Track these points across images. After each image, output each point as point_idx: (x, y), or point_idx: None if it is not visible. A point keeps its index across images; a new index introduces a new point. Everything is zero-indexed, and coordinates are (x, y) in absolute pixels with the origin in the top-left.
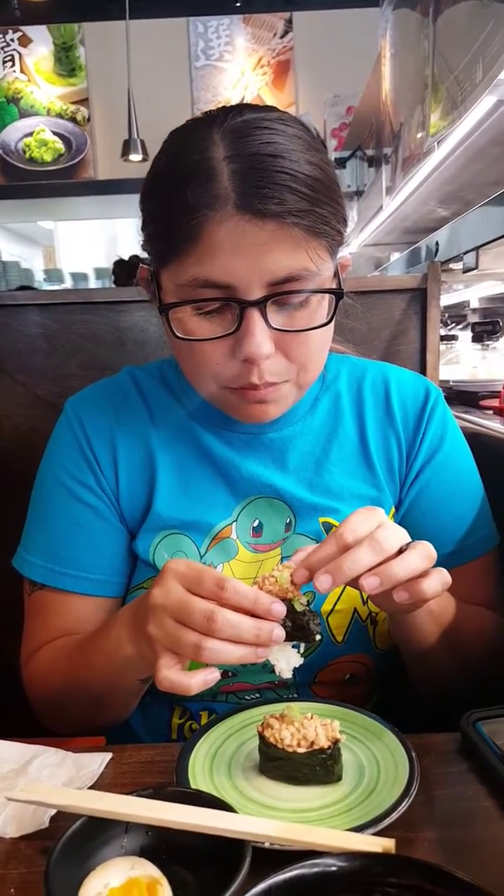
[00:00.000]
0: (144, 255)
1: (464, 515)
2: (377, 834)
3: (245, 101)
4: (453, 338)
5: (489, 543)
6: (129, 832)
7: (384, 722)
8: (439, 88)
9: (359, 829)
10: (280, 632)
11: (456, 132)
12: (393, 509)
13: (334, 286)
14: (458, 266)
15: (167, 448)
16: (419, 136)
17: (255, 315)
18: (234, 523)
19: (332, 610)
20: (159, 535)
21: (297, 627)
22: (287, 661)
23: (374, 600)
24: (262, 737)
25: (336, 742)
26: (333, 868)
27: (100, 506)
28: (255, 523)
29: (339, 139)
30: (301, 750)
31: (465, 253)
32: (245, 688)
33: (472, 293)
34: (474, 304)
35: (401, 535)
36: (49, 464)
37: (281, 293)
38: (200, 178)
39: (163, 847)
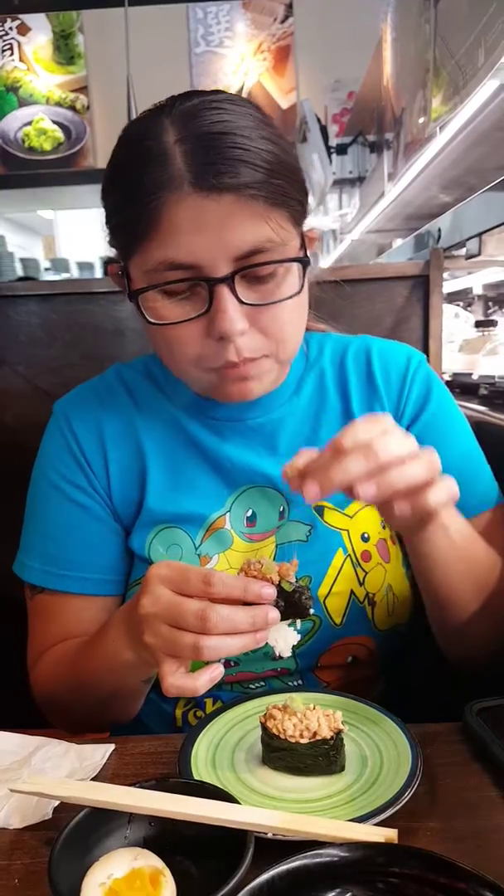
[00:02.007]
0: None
1: (458, 473)
2: (380, 824)
3: (245, 88)
4: (491, 323)
5: (490, 500)
6: (132, 823)
7: (387, 712)
8: (441, 73)
9: (361, 819)
10: (275, 613)
11: (458, 117)
12: None
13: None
14: (460, 252)
15: (157, 442)
16: (421, 121)
17: (224, 292)
18: (228, 514)
19: (328, 593)
20: (154, 530)
21: (290, 605)
22: (285, 640)
23: (383, 515)
24: (264, 727)
25: (338, 732)
26: (336, 858)
27: (93, 505)
28: (249, 513)
29: (340, 125)
30: (304, 740)
31: (467, 239)
32: (248, 677)
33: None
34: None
35: (405, 444)
36: (41, 467)
37: (247, 266)
38: (154, 162)
39: (166, 838)
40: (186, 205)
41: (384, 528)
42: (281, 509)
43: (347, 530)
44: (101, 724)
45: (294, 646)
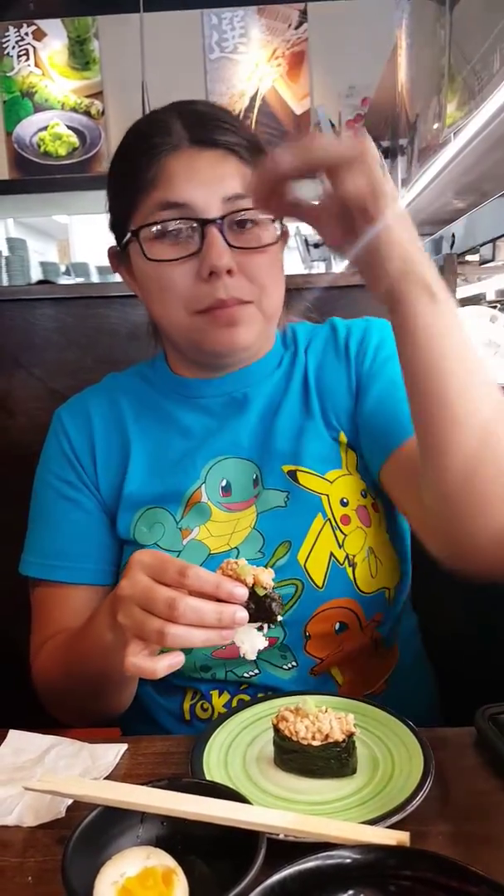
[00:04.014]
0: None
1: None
2: (391, 827)
3: (259, 94)
4: None
5: None
6: (144, 822)
7: (399, 716)
8: (455, 79)
9: (373, 821)
10: (243, 614)
11: (473, 123)
12: (342, 436)
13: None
14: (474, 258)
15: (142, 430)
16: (435, 126)
17: (214, 231)
18: (203, 485)
19: (308, 556)
20: (138, 513)
21: (259, 609)
22: (251, 643)
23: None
24: (276, 729)
25: (350, 735)
26: (348, 860)
27: (82, 499)
28: (223, 483)
29: (354, 131)
30: (316, 743)
31: (481, 245)
32: (237, 652)
33: None
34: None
35: (340, 143)
36: (39, 470)
37: (235, 210)
38: (157, 132)
39: (178, 838)
40: (182, 156)
41: (364, 496)
42: (254, 476)
43: (327, 495)
44: (95, 713)
45: (280, 612)
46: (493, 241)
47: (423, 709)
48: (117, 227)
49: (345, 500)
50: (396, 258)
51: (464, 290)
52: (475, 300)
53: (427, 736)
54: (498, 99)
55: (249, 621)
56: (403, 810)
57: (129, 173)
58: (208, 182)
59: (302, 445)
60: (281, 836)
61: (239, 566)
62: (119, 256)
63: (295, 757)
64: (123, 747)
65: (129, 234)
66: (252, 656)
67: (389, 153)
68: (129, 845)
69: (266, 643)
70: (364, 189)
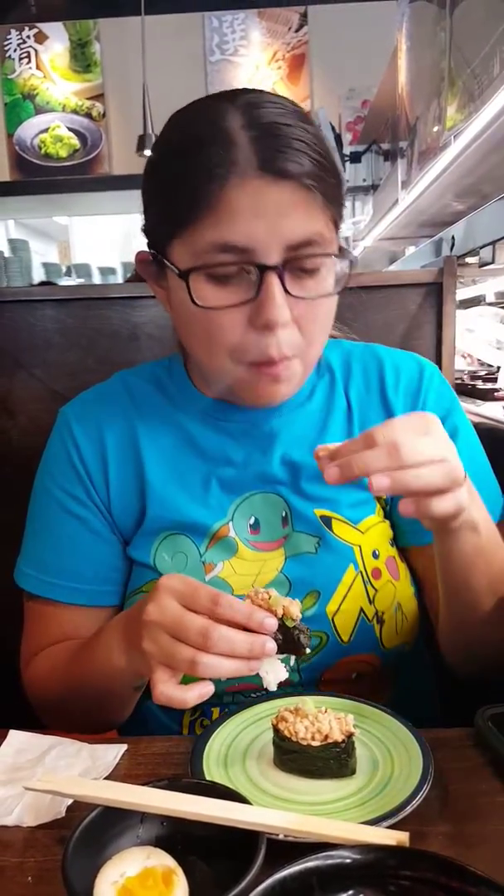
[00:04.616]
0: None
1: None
2: (391, 827)
3: None
4: None
5: (493, 514)
6: (144, 822)
7: (398, 716)
8: (455, 82)
9: (373, 822)
10: (272, 644)
11: (472, 126)
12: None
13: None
14: (474, 260)
15: (159, 450)
16: (435, 129)
17: (274, 280)
18: (231, 522)
19: (337, 610)
20: (159, 538)
21: (287, 640)
22: (275, 674)
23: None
24: (276, 730)
25: (350, 736)
26: (347, 860)
27: (90, 517)
28: (252, 520)
29: (354, 133)
30: (315, 743)
31: (481, 247)
32: (250, 688)
33: None
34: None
35: (434, 448)
36: (42, 475)
37: (298, 257)
38: (219, 144)
39: (178, 838)
40: (249, 188)
41: (392, 545)
42: (283, 514)
43: (360, 545)
44: (91, 726)
45: (298, 661)
46: (493, 243)
47: (424, 709)
48: (154, 235)
49: (376, 552)
50: (460, 522)
51: (463, 293)
52: (475, 302)
53: (427, 736)
54: (498, 102)
55: (277, 653)
56: (403, 810)
57: (182, 189)
58: (274, 224)
59: (339, 492)
60: (281, 837)
61: (270, 597)
62: (150, 264)
63: (294, 757)
64: (123, 748)
65: (175, 268)
66: (274, 687)
67: (389, 155)
68: (129, 845)
69: (287, 675)
70: (449, 511)
